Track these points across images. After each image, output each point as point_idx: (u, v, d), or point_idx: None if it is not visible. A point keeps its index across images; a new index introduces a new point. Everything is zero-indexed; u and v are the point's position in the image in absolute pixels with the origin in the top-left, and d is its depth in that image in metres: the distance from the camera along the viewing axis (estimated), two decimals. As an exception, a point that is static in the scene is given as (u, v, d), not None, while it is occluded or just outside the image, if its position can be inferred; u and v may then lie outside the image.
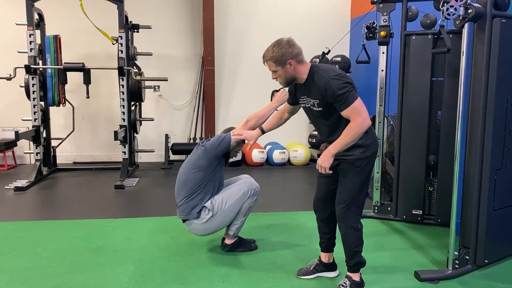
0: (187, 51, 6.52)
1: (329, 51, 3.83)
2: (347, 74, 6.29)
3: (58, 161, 5.86)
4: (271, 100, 2.82)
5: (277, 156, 6.20)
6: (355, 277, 2.38)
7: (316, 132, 6.36)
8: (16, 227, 3.46)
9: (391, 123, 4.00)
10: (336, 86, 2.10)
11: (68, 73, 5.23)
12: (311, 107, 2.27)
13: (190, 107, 6.60)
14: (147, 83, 5.80)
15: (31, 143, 5.29)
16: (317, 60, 4.90)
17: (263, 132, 2.65)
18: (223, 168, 2.87)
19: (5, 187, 4.73)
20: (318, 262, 2.59)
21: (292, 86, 2.40)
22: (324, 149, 2.25)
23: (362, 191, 2.30)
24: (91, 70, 5.18)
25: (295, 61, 2.19)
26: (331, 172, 2.21)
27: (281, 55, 2.17)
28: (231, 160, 3.02)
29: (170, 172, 5.79)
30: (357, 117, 2.10)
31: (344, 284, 2.36)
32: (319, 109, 2.22)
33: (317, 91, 2.18)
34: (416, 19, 3.61)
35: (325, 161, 2.17)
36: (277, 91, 2.81)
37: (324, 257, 2.58)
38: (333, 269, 2.61)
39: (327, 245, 2.56)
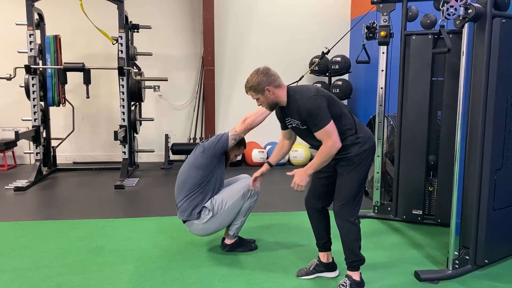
0: (187, 51, 6.52)
1: (328, 51, 3.83)
2: (348, 74, 6.34)
3: (58, 161, 5.86)
4: None
5: (277, 156, 6.19)
6: (355, 276, 2.38)
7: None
8: (16, 227, 3.46)
9: (391, 123, 4.01)
10: (308, 110, 2.22)
11: (68, 73, 5.23)
12: (298, 126, 2.37)
13: (190, 107, 6.60)
14: (147, 83, 5.80)
15: (31, 143, 5.29)
16: (317, 60, 4.90)
17: (271, 165, 2.69)
18: (223, 168, 2.87)
19: (5, 187, 4.73)
20: (317, 263, 2.60)
21: (278, 110, 2.48)
22: None
23: (360, 187, 2.34)
24: (91, 70, 5.18)
25: (272, 87, 2.32)
26: (303, 189, 2.32)
27: (258, 84, 2.32)
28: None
29: (170, 172, 5.79)
30: (327, 140, 2.22)
31: (344, 284, 2.36)
32: (304, 127, 2.33)
33: (297, 112, 2.29)
34: (416, 19, 3.61)
35: (302, 180, 2.29)
36: None
37: (323, 257, 2.58)
38: (333, 269, 2.61)
39: (323, 244, 2.58)
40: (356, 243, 2.36)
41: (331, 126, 2.22)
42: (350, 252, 2.36)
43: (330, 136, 2.22)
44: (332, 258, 2.61)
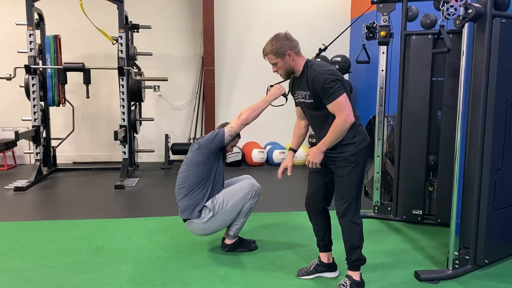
0: (187, 51, 6.52)
1: (325, 47, 3.80)
2: (348, 74, 6.34)
3: (58, 161, 5.86)
4: (267, 94, 2.81)
5: (277, 156, 6.20)
6: (355, 276, 2.38)
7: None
8: (16, 227, 3.46)
9: (391, 123, 4.00)
10: (324, 79, 2.18)
11: (68, 73, 5.22)
12: (304, 101, 2.34)
13: (190, 107, 6.60)
14: (147, 83, 5.80)
15: (31, 143, 5.29)
16: (317, 59, 4.89)
17: (295, 151, 2.62)
18: (221, 164, 2.86)
19: (5, 187, 4.73)
20: (318, 263, 2.60)
21: (291, 84, 2.46)
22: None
23: (359, 186, 2.34)
24: (91, 70, 5.18)
25: (293, 52, 2.28)
26: (320, 166, 2.32)
27: (280, 47, 2.27)
28: (229, 157, 3.02)
29: (170, 172, 5.79)
30: (340, 113, 2.19)
31: (344, 284, 2.36)
32: (310, 101, 2.30)
33: (308, 83, 2.26)
34: (416, 19, 3.61)
35: (316, 158, 2.28)
36: (272, 86, 2.81)
37: (324, 257, 2.58)
38: (333, 269, 2.61)
39: (325, 244, 2.57)
40: (359, 243, 2.36)
41: (344, 98, 2.19)
42: (352, 252, 2.36)
43: (343, 109, 2.18)
44: (333, 258, 2.61)
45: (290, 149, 2.61)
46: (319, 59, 5.41)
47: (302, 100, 2.36)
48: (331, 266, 2.60)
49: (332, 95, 2.18)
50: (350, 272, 2.40)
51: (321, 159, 2.28)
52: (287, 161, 2.55)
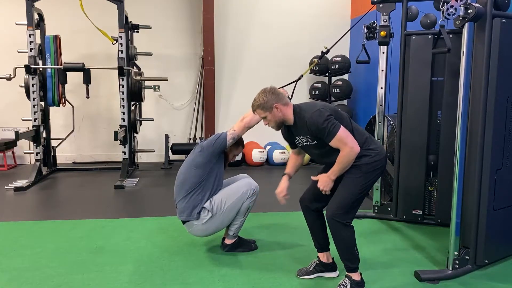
0: (187, 51, 6.52)
1: (328, 50, 3.82)
2: (348, 74, 6.34)
3: (58, 161, 5.86)
4: None
5: (277, 156, 6.20)
6: (355, 276, 2.38)
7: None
8: (16, 227, 3.46)
9: (391, 123, 4.00)
10: (316, 123, 2.23)
11: (68, 73, 5.22)
12: (308, 143, 2.39)
13: (190, 107, 6.60)
14: (147, 83, 5.80)
15: (31, 143, 5.29)
16: (316, 60, 4.89)
17: (290, 177, 2.67)
18: (222, 167, 2.86)
19: (5, 187, 4.73)
20: (317, 263, 2.60)
21: (285, 132, 2.51)
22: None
23: (361, 196, 2.32)
24: (91, 70, 5.18)
25: (280, 104, 2.34)
26: (330, 192, 2.35)
27: (266, 101, 2.33)
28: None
29: (170, 172, 5.79)
30: (344, 147, 2.23)
31: (344, 284, 2.36)
32: (314, 142, 2.35)
33: (305, 128, 2.31)
34: (416, 19, 3.61)
35: (326, 186, 2.33)
36: None
37: (323, 257, 2.58)
38: (333, 269, 2.61)
39: (321, 244, 2.58)
40: (351, 245, 2.34)
41: (343, 132, 2.23)
42: (347, 258, 2.35)
43: (345, 143, 2.22)
44: (333, 258, 2.61)
45: (286, 174, 2.64)
46: (320, 61, 5.41)
47: (305, 144, 2.40)
48: (331, 266, 2.60)
49: (330, 133, 2.22)
50: (349, 273, 2.39)
51: (331, 187, 2.32)
52: (282, 186, 2.62)
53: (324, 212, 2.45)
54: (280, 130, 2.51)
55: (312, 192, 2.54)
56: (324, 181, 2.32)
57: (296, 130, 2.40)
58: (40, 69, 5.22)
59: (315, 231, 2.58)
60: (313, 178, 2.42)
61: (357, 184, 2.29)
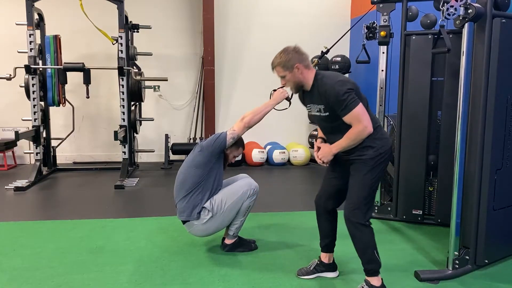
0: (187, 51, 6.52)
1: (328, 50, 3.82)
2: (348, 74, 6.34)
3: (58, 161, 5.86)
4: (270, 99, 2.82)
5: (277, 156, 6.20)
6: (375, 281, 2.27)
7: (316, 132, 6.36)
8: (16, 227, 3.46)
9: (391, 123, 4.00)
10: (337, 92, 2.13)
11: (68, 73, 5.22)
12: (319, 114, 2.29)
13: (190, 107, 6.60)
14: (147, 83, 5.80)
15: (31, 143, 5.29)
16: (316, 59, 4.89)
17: (324, 140, 2.46)
18: (221, 167, 2.86)
19: (5, 187, 4.73)
20: (318, 262, 2.59)
21: (301, 96, 2.42)
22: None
23: (372, 190, 2.26)
24: (91, 70, 5.18)
25: (302, 65, 2.23)
26: (327, 165, 2.33)
27: (288, 60, 2.22)
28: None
29: (170, 172, 5.79)
30: (358, 124, 2.15)
31: None
32: (326, 114, 2.25)
33: (321, 96, 2.21)
34: (416, 19, 3.61)
35: (326, 157, 2.28)
36: (275, 90, 2.81)
37: (325, 257, 2.57)
38: (333, 269, 2.60)
39: (327, 245, 2.55)
40: (370, 243, 2.25)
41: (360, 109, 2.13)
42: (366, 258, 2.26)
43: (360, 120, 2.13)
44: (333, 259, 2.60)
45: (320, 137, 2.46)
46: (320, 61, 5.42)
47: (316, 113, 2.31)
48: (331, 266, 2.59)
49: (347, 107, 2.12)
50: (367, 278, 2.29)
51: (329, 160, 2.28)
52: (318, 143, 2.42)
53: (339, 213, 2.41)
54: (298, 95, 2.42)
55: (325, 190, 2.48)
56: (325, 152, 2.26)
57: (312, 97, 2.29)
58: (40, 69, 5.22)
59: (326, 233, 2.53)
60: (317, 144, 2.32)
61: (366, 181, 2.22)
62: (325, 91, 2.18)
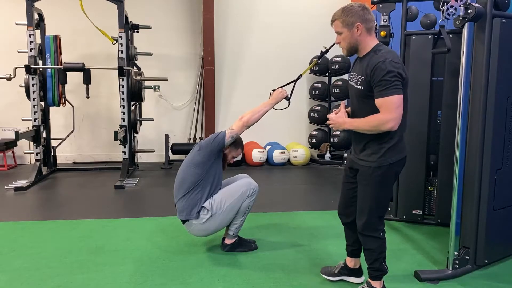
0: (187, 51, 6.53)
1: (327, 50, 3.81)
2: (348, 74, 6.34)
3: (58, 161, 5.87)
4: (269, 99, 2.82)
5: (277, 156, 6.20)
6: (376, 284, 2.27)
7: (316, 132, 6.36)
8: (16, 227, 3.46)
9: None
10: (387, 70, 1.94)
11: (68, 73, 5.23)
12: (356, 85, 2.12)
13: (190, 107, 6.60)
14: (147, 83, 5.80)
15: (31, 143, 5.29)
16: (316, 59, 4.88)
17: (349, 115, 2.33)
18: (220, 167, 2.86)
19: (5, 187, 4.73)
20: (343, 265, 2.51)
21: (354, 61, 2.25)
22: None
23: (380, 204, 2.17)
24: (91, 70, 5.18)
25: (363, 26, 2.04)
26: (333, 127, 2.21)
27: (350, 16, 2.04)
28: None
29: (170, 172, 5.79)
30: (386, 112, 1.96)
31: None
32: (360, 88, 2.08)
33: (368, 67, 2.02)
34: (416, 19, 3.61)
35: (337, 125, 2.15)
36: (274, 90, 2.82)
37: (350, 262, 2.49)
38: (358, 274, 2.50)
39: (352, 250, 2.46)
40: (381, 254, 2.21)
41: (398, 100, 1.94)
42: (374, 266, 2.24)
43: (390, 110, 1.94)
44: (360, 264, 2.49)
45: (346, 108, 2.29)
46: (319, 61, 5.40)
47: (353, 83, 2.14)
48: (356, 272, 2.49)
49: (386, 90, 1.93)
50: (370, 280, 2.29)
51: (337, 128, 2.16)
52: (340, 109, 2.28)
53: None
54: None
55: (343, 196, 2.39)
56: (338, 122, 2.13)
57: (360, 65, 2.10)
58: (40, 69, 5.22)
59: (350, 241, 2.45)
60: (338, 109, 2.17)
61: (372, 190, 2.13)
62: (376, 63, 1.97)
